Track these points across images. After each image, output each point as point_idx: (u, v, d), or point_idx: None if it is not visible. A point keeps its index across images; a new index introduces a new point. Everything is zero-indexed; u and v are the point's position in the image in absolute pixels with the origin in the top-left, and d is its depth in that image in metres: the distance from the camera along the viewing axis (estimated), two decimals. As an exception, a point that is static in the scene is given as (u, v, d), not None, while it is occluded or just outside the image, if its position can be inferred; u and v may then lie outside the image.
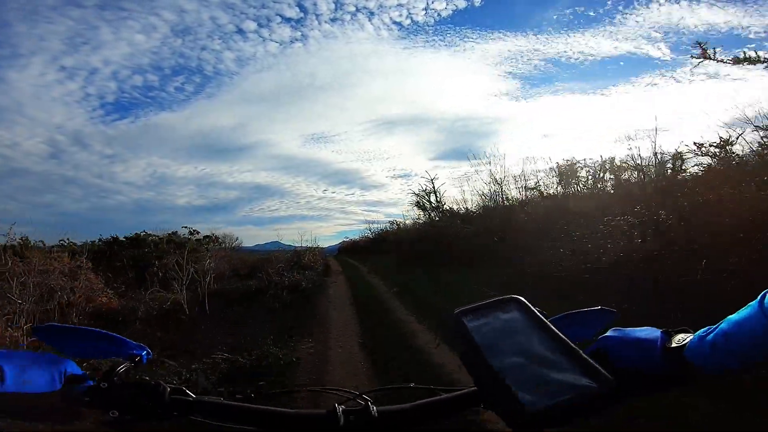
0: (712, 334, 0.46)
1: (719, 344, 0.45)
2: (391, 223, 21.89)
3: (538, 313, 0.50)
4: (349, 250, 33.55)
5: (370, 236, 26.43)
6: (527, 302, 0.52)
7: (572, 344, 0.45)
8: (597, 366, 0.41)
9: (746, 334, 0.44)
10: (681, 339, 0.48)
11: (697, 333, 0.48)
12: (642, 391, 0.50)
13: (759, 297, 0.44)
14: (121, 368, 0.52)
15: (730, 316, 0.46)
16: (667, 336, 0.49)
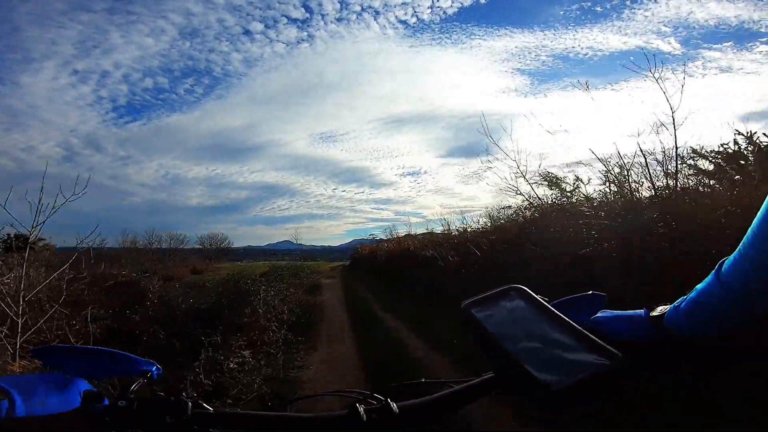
0: (684, 303, 0.51)
1: (688, 311, 0.50)
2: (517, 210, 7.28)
3: (540, 300, 0.52)
4: (375, 270, 14.39)
5: (443, 235, 10.95)
6: (528, 290, 0.54)
7: (578, 326, 0.47)
8: (605, 345, 0.44)
9: (706, 300, 0.48)
10: (661, 309, 0.53)
11: (674, 303, 0.52)
12: (639, 361, 0.52)
13: (717, 266, 0.48)
14: (135, 386, 0.51)
15: (697, 285, 0.50)
16: (650, 309, 0.54)
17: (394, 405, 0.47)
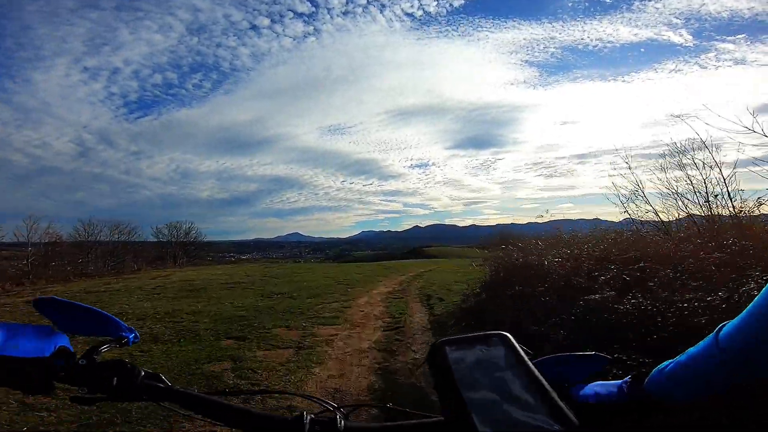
0: (670, 366, 0.49)
1: (676, 375, 0.48)
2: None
3: (521, 351, 0.50)
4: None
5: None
6: (513, 339, 0.52)
7: (547, 385, 0.45)
8: (564, 408, 0.42)
9: (701, 364, 0.46)
10: (644, 373, 0.52)
11: (657, 366, 0.51)
12: (607, 423, 0.53)
13: (715, 330, 0.46)
14: (104, 348, 0.53)
15: (689, 349, 0.48)
16: (636, 375, 0.53)
17: (341, 423, 0.47)
